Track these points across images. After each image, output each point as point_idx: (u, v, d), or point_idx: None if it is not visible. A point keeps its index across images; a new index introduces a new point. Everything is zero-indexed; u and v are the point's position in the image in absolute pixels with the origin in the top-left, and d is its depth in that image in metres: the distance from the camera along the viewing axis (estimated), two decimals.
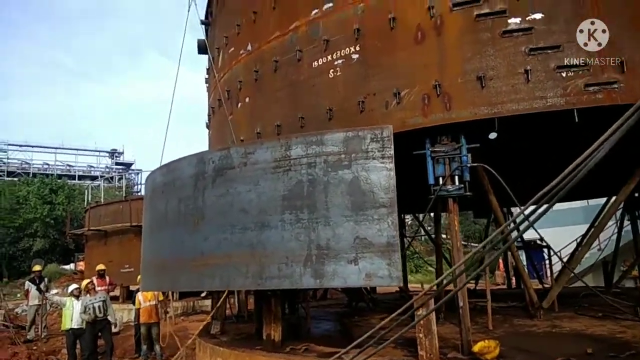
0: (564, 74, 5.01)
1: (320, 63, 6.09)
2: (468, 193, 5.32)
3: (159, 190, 7.07)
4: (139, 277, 10.06)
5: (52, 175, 52.77)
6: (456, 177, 5.39)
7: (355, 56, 5.90)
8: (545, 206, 2.88)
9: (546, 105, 5.00)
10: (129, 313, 15.28)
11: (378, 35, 5.77)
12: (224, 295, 8.38)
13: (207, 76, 8.79)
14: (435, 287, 5.04)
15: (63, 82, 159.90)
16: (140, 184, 53.32)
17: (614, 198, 7.06)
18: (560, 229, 17.00)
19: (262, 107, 6.79)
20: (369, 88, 5.67)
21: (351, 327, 7.87)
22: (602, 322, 6.63)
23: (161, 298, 10.59)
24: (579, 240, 10.53)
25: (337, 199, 5.19)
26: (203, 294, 15.60)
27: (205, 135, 9.27)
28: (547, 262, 14.53)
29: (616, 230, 10.53)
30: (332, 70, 5.95)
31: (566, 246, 13.53)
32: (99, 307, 9.65)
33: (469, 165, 5.34)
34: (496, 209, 6.42)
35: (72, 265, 36.67)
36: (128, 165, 67.45)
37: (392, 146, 5.04)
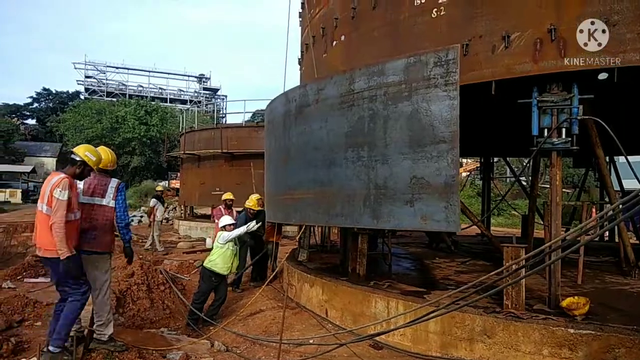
0: None
1: (423, 1, 5.73)
2: (575, 147, 4.98)
3: (265, 129, 7.35)
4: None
5: (146, 97, 56.61)
6: (563, 130, 5.04)
7: None
8: None
9: None
10: None
11: None
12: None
13: (301, 10, 8.66)
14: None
15: (154, 4, 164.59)
16: (225, 110, 55.70)
17: None
18: None
19: (358, 47, 6.62)
20: (475, 30, 5.31)
21: (432, 268, 8.04)
22: None
23: None
24: None
25: (395, 134, 4.94)
26: None
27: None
28: None
29: None
30: (435, 9, 5.62)
31: None
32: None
33: (579, 117, 4.97)
34: (603, 164, 5.99)
35: (165, 183, 40.11)
36: (214, 91, 70.27)
37: (458, 70, 4.63)
